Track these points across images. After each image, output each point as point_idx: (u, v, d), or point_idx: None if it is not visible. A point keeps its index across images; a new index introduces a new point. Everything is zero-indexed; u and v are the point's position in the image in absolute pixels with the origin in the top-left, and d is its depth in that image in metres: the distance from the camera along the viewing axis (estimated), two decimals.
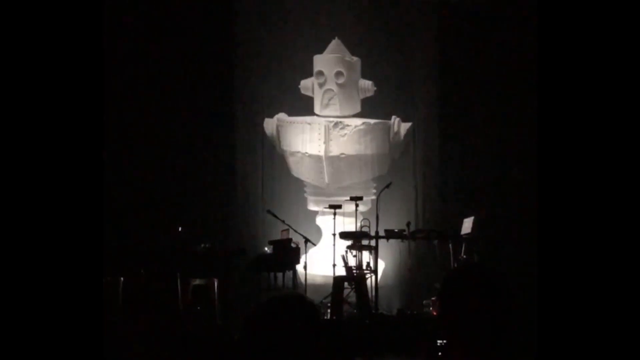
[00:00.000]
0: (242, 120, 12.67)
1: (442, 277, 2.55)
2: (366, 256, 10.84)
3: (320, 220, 12.73)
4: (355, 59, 12.71)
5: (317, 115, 12.74)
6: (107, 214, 4.44)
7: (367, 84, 12.70)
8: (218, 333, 9.27)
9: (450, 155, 12.10)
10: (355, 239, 10.92)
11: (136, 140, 11.64)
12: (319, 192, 12.73)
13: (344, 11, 12.81)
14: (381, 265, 11.70)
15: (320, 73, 12.62)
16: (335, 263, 10.89)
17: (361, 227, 11.25)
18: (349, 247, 10.88)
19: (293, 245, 10.99)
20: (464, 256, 10.40)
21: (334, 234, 11.08)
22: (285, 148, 12.78)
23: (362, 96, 12.80)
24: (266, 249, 11.28)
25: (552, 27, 3.72)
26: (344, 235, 11.04)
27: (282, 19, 12.86)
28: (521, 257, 10.31)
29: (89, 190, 3.62)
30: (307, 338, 2.30)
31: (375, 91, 12.73)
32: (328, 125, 12.43)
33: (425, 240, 11.03)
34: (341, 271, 10.72)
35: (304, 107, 12.90)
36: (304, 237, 11.02)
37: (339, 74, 12.54)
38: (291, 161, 12.79)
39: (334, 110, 12.65)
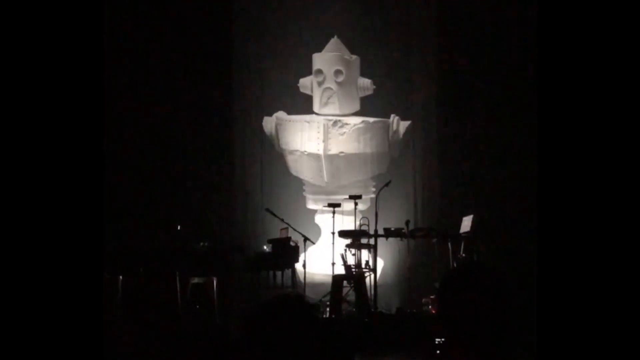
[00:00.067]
0: (240, 119, 12.66)
1: (441, 276, 2.55)
2: (365, 255, 10.84)
3: (319, 219, 12.72)
4: (354, 57, 12.70)
5: (316, 113, 12.73)
6: (106, 213, 4.43)
7: (366, 82, 12.70)
8: (217, 332, 9.27)
9: (449, 154, 12.10)
10: (354, 238, 10.92)
11: (135, 139, 11.63)
12: (318, 190, 12.72)
13: (343, 9, 12.80)
14: (380, 263, 11.70)
15: (319, 71, 12.61)
16: (334, 262, 10.88)
17: (360, 225, 11.25)
18: (348, 246, 10.88)
19: (292, 243, 10.98)
20: (463, 255, 10.39)
21: (333, 233, 11.08)
22: (284, 147, 12.77)
23: (361, 94, 12.79)
24: (265, 247, 11.27)
25: (552, 25, 3.71)
26: (343, 233, 11.04)
27: (281, 18, 12.85)
28: (520, 255, 10.33)
29: (89, 189, 3.61)
30: (305, 338, 2.30)
31: (374, 89, 12.72)
32: (327, 124, 12.42)
33: (424, 238, 11.03)
34: (340, 270, 10.71)
35: (303, 105, 12.89)
36: (303, 236, 11.01)
37: (338, 72, 12.53)
38: (290, 160, 12.78)
39: (333, 108, 12.65)
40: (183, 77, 11.91)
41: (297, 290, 10.54)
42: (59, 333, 3.48)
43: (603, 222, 3.55)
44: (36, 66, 3.54)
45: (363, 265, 10.71)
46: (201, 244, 10.34)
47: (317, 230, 12.62)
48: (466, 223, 10.52)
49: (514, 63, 11.35)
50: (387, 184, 11.16)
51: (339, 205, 11.42)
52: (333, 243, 11.04)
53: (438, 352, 7.52)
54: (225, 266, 10.38)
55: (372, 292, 10.55)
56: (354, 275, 10.57)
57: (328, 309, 10.43)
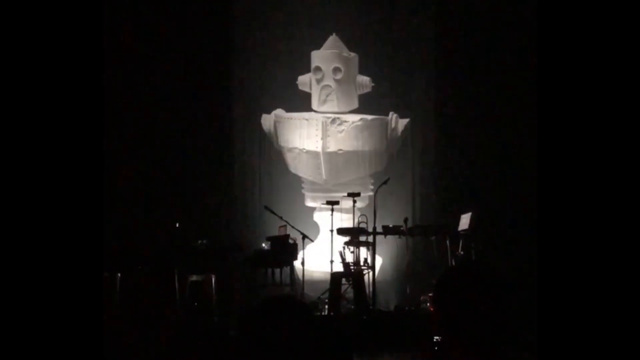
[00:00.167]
0: (239, 116, 12.65)
1: (439, 274, 2.55)
2: (364, 252, 10.84)
3: (317, 217, 12.72)
4: (352, 54, 12.70)
5: (315, 111, 12.73)
6: (106, 212, 4.43)
7: (364, 80, 12.69)
8: (215, 330, 9.28)
9: (447, 151, 12.10)
10: (353, 235, 10.92)
11: (133, 136, 11.61)
12: (317, 188, 12.72)
13: (342, 7, 12.79)
14: (379, 261, 11.70)
15: (318, 69, 12.60)
16: (333, 259, 10.88)
17: (359, 223, 11.24)
18: (347, 243, 10.89)
19: (291, 241, 10.97)
20: (462, 252, 10.40)
21: (332, 230, 11.08)
22: (282, 144, 12.77)
23: (359, 92, 12.78)
24: (264, 245, 11.27)
25: (552, 23, 3.71)
26: (342, 231, 11.04)
27: (280, 15, 12.84)
28: (519, 253, 10.33)
29: (89, 188, 3.61)
30: (303, 336, 2.30)
31: (372, 87, 12.71)
32: (326, 121, 12.42)
33: (422, 236, 11.04)
34: (339, 267, 10.72)
35: (302, 103, 12.88)
36: (302, 233, 11.01)
37: (336, 69, 12.53)
38: (289, 157, 12.78)
39: (331, 106, 12.64)
40: (181, 75, 11.90)
41: (289, 290, 10.52)
42: (59, 331, 3.48)
43: (603, 221, 3.54)
44: (36, 66, 3.54)
45: (362, 263, 10.71)
46: (200, 241, 10.34)
47: (316, 228, 12.62)
48: (464, 221, 10.52)
49: (513, 60, 11.34)
50: (385, 182, 11.16)
51: (337, 202, 11.42)
52: (331, 240, 11.04)
53: (436, 349, 7.52)
54: (223, 264, 10.39)
55: (371, 289, 10.56)
56: (352, 273, 10.57)
57: (327, 307, 10.44)
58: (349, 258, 10.72)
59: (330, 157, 12.43)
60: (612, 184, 3.56)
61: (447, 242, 10.54)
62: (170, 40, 11.80)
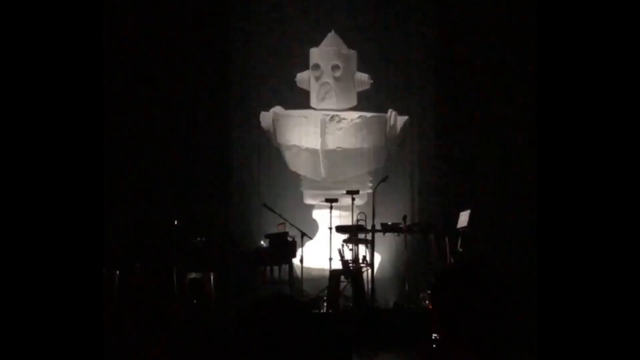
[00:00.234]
0: (238, 114, 12.64)
1: (437, 272, 2.55)
2: (362, 250, 10.85)
3: (316, 214, 12.72)
4: (351, 51, 12.69)
5: (314, 108, 12.72)
6: (106, 211, 4.42)
7: (363, 77, 12.69)
8: (214, 327, 9.27)
9: (446, 149, 12.10)
10: (352, 233, 10.92)
11: (132, 134, 11.61)
12: (315, 185, 12.72)
13: (341, 3, 12.78)
14: (377, 258, 11.70)
15: (317, 66, 12.59)
16: (332, 257, 10.88)
17: (357, 220, 11.24)
18: (345, 241, 10.88)
19: (289, 239, 10.97)
20: (460, 250, 10.40)
21: (331, 228, 11.07)
22: (281, 142, 12.76)
23: (358, 89, 12.78)
24: (262, 242, 11.27)
25: (552, 22, 3.70)
26: (340, 229, 11.03)
27: (278, 12, 12.82)
28: (518, 251, 10.34)
29: (88, 187, 3.61)
30: (301, 334, 2.30)
31: (371, 84, 12.71)
32: (324, 119, 12.41)
33: (421, 233, 11.03)
34: (337, 265, 10.72)
35: (301, 100, 12.87)
36: (300, 231, 11.01)
37: (335, 67, 12.53)
38: (287, 155, 12.77)
39: (330, 103, 12.64)
40: (180, 72, 11.89)
41: (284, 290, 10.51)
42: (59, 330, 3.48)
43: (603, 220, 3.54)
44: (36, 66, 3.53)
45: (360, 261, 10.71)
46: (198, 239, 10.34)
47: (315, 226, 12.61)
48: (463, 218, 10.52)
49: (512, 57, 11.33)
50: (384, 179, 11.16)
51: (336, 200, 11.42)
52: (330, 238, 11.03)
53: (434, 346, 7.52)
54: (222, 261, 10.38)
55: (370, 287, 10.56)
56: (351, 271, 10.57)
57: (325, 304, 10.44)
58: (348, 256, 10.72)
59: (329, 154, 12.42)
60: (612, 184, 3.55)
61: (446, 239, 10.54)
62: (169, 39, 11.79)
